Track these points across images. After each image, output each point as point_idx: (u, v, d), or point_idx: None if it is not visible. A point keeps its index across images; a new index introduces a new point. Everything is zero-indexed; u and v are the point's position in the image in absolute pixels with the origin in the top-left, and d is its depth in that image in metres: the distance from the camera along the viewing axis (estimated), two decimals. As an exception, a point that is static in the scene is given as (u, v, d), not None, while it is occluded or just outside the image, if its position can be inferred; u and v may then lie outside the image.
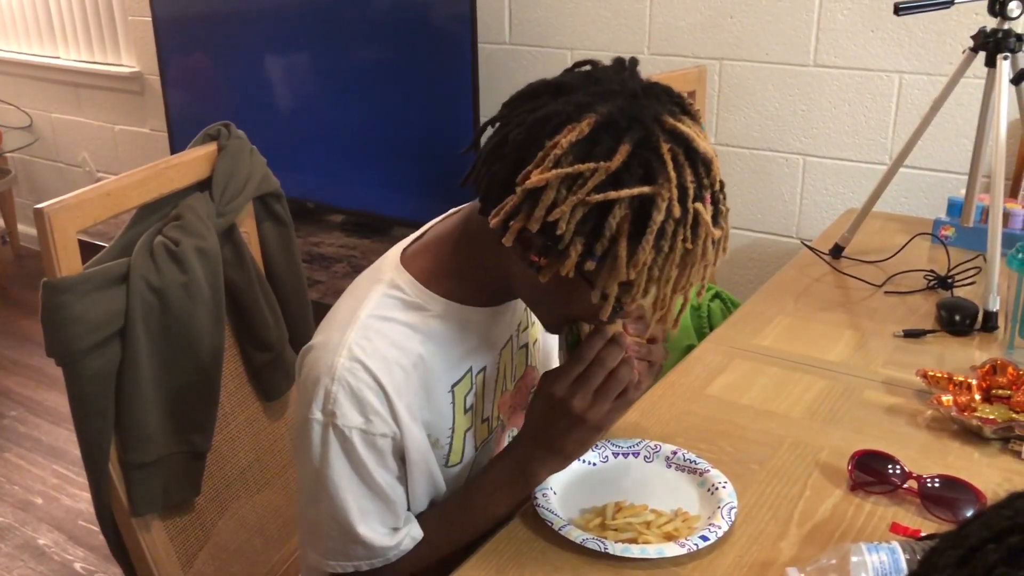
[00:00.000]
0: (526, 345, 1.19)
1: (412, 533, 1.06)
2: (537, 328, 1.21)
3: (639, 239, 0.87)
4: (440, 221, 1.10)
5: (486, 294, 1.05)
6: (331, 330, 1.01)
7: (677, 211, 0.87)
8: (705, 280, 0.96)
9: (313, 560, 1.07)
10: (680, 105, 0.94)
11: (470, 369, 1.07)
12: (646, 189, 0.87)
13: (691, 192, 0.88)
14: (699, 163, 0.90)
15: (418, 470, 1.04)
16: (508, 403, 1.16)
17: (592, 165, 0.87)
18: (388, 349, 1.00)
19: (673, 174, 0.87)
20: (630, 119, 0.88)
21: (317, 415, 0.98)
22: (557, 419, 1.01)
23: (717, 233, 0.92)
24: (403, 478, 1.05)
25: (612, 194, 0.86)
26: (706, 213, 0.90)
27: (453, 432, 1.08)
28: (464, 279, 1.04)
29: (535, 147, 0.90)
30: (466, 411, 1.08)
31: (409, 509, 1.08)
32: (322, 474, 1.00)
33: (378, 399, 0.98)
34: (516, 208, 0.91)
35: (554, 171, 0.87)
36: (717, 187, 0.92)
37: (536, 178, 0.88)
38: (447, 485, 1.10)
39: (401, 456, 1.03)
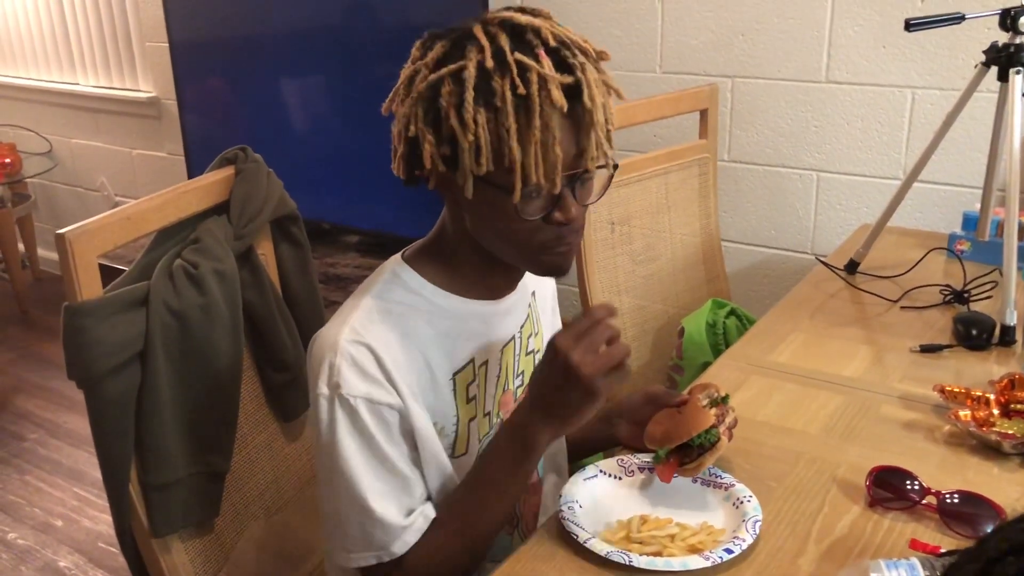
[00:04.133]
0: (534, 352, 1.21)
1: (425, 511, 1.06)
2: (541, 339, 1.23)
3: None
4: None
5: (477, 287, 1.09)
6: (337, 318, 1.06)
7: (491, 63, 0.92)
8: (589, 143, 0.96)
9: (339, 558, 1.07)
10: (522, 14, 0.98)
11: (472, 360, 1.10)
12: (461, 62, 0.93)
13: (508, 49, 0.92)
14: (526, 31, 0.95)
15: (426, 450, 1.05)
16: (511, 404, 1.17)
17: (414, 66, 0.99)
18: (389, 333, 1.03)
19: (486, 42, 0.93)
20: (452, 29, 0.97)
21: (323, 390, 1.01)
22: (556, 374, 0.98)
23: (567, 79, 0.93)
24: (415, 459, 1.05)
25: (432, 76, 0.94)
26: (534, 62, 0.92)
27: (458, 420, 1.09)
28: (455, 272, 1.08)
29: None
30: (468, 400, 1.10)
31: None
32: (334, 453, 1.01)
33: (380, 371, 1.01)
34: (396, 146, 1.01)
35: (400, 89, 1.00)
36: (553, 43, 0.95)
37: (387, 102, 1.02)
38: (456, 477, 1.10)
39: (411, 435, 1.04)
